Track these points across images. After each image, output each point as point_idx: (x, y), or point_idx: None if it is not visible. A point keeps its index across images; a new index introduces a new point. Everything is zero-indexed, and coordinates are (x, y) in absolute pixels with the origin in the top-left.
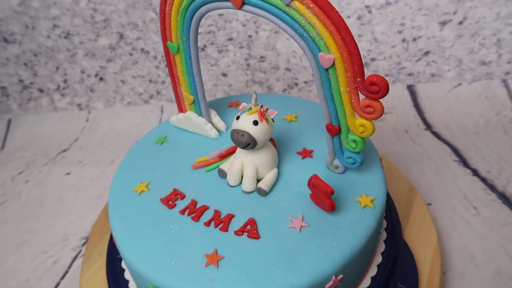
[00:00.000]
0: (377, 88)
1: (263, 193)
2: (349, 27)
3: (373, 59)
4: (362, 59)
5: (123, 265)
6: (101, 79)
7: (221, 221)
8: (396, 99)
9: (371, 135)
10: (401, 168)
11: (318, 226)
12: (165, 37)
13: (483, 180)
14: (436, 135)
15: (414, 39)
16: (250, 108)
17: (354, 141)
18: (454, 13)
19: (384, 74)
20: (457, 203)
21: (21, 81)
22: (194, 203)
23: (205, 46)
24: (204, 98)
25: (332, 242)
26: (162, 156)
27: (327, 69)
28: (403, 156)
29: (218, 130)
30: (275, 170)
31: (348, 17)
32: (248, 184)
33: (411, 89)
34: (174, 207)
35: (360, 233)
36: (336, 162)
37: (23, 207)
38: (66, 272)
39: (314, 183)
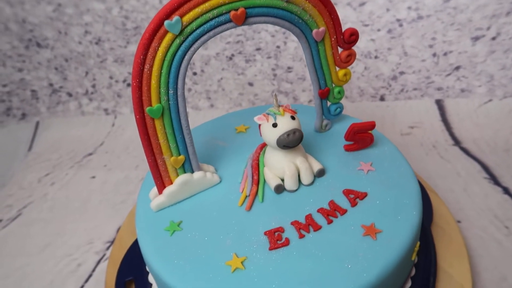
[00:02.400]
0: (355, 37)
1: (323, 172)
2: (379, 40)
3: (402, 73)
4: (391, 72)
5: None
6: (128, 85)
7: (334, 209)
8: (424, 114)
9: (350, 78)
10: (428, 184)
11: (377, 162)
12: (139, 106)
13: None
14: (465, 151)
15: (445, 54)
16: (278, 112)
17: (339, 92)
18: (488, 28)
19: (412, 88)
20: (487, 222)
21: (51, 85)
22: (298, 222)
23: (232, 55)
24: (195, 151)
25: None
26: (204, 232)
27: (318, 43)
28: (430, 172)
29: None
30: (309, 155)
31: (379, 30)
32: (310, 175)
33: (439, 104)
34: (290, 242)
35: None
36: (325, 121)
37: (49, 209)
38: (90, 276)
39: (357, 128)
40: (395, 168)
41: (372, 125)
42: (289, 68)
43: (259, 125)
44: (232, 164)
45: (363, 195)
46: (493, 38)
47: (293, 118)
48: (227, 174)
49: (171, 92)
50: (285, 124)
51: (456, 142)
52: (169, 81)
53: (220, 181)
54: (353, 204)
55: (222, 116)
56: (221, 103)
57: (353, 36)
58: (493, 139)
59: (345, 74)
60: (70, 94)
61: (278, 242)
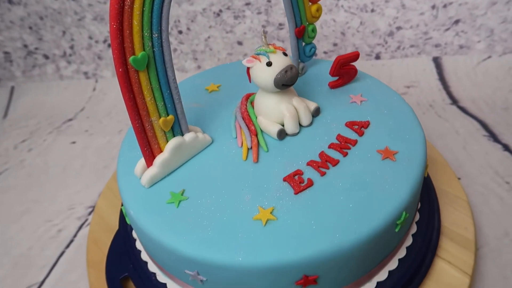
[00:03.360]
0: None
1: (318, 110)
2: None
3: (398, 28)
4: (388, 27)
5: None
6: (109, 45)
7: (345, 141)
8: (420, 72)
9: (321, 12)
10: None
11: (367, 93)
12: (121, 55)
13: None
14: (463, 109)
15: (445, 6)
16: (270, 50)
17: (313, 30)
18: None
19: (409, 45)
20: (488, 179)
21: (25, 46)
22: (315, 162)
23: (220, 11)
24: (183, 110)
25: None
26: (214, 196)
27: None
28: (428, 131)
29: None
30: (300, 97)
31: None
32: (308, 115)
33: (437, 62)
34: (313, 182)
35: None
36: (301, 65)
37: (26, 176)
38: (72, 241)
39: (343, 60)
40: (386, 96)
41: (356, 55)
42: (280, 25)
43: (248, 70)
44: (217, 123)
45: (366, 124)
46: None
47: (285, 54)
48: (215, 134)
49: (155, 35)
50: (280, 61)
51: (454, 101)
52: (152, 21)
53: (212, 142)
54: (360, 133)
55: (186, 79)
56: (209, 64)
57: None
58: (491, 98)
59: (317, 10)
60: (46, 57)
61: (301, 184)
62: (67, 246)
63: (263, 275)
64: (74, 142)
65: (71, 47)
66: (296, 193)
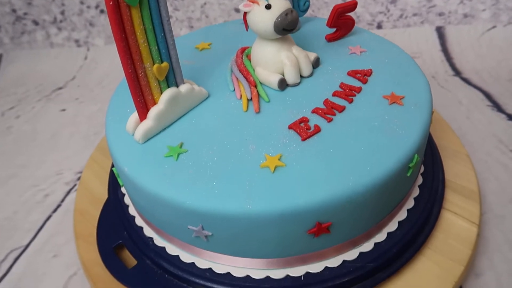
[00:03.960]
0: None
1: (318, 61)
2: None
3: None
4: None
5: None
6: (102, 11)
7: (350, 89)
8: (423, 43)
9: None
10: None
11: (367, 45)
12: None
13: None
14: (466, 81)
15: None
16: None
17: None
18: None
19: (412, 14)
20: (492, 147)
21: (14, 11)
22: (320, 109)
23: None
24: (178, 57)
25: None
26: (220, 148)
27: None
28: None
29: None
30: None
31: None
32: (309, 65)
33: (440, 32)
34: (320, 128)
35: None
36: None
37: (13, 142)
38: (59, 206)
39: (341, 9)
40: (385, 47)
41: (354, 4)
42: None
43: (244, 17)
44: (212, 79)
45: (369, 72)
46: None
47: None
48: (211, 88)
49: None
50: (280, 3)
51: (457, 72)
52: None
53: (209, 96)
54: (364, 81)
55: (177, 38)
56: None
57: None
58: (495, 69)
59: None
60: (36, 23)
61: (308, 131)
62: (54, 210)
63: (274, 224)
64: (64, 110)
65: (62, 13)
66: (303, 139)
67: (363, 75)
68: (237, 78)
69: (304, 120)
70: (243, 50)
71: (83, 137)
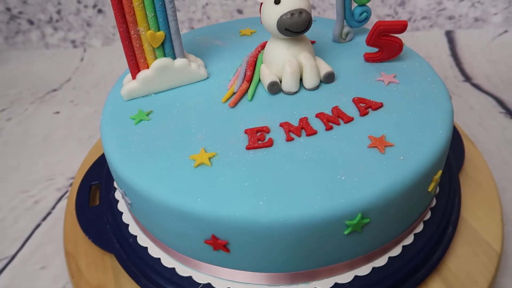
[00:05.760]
0: None
1: (332, 77)
2: None
3: None
4: None
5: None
6: (99, 11)
7: (337, 116)
8: (432, 47)
9: None
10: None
11: (403, 75)
12: None
13: None
14: (477, 87)
15: None
16: None
17: None
18: None
19: (421, 17)
20: (507, 154)
21: (8, 9)
22: (289, 124)
23: None
24: (179, 30)
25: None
26: (175, 123)
27: None
28: None
29: None
30: (318, 57)
31: None
32: (315, 76)
33: (449, 36)
34: (273, 142)
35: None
36: (346, 29)
37: (3, 145)
38: (49, 213)
39: (384, 28)
40: (425, 83)
41: (404, 25)
42: None
43: (260, 7)
44: (226, 62)
45: (377, 105)
46: None
47: None
48: (218, 71)
49: None
50: (291, 1)
51: (467, 78)
52: None
53: (208, 77)
54: (363, 113)
55: (229, 21)
56: None
57: None
58: (507, 75)
59: None
60: (31, 22)
61: (259, 142)
62: (44, 218)
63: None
64: (57, 112)
65: (58, 12)
66: (248, 148)
67: (367, 107)
68: (240, 69)
69: (264, 130)
70: (264, 44)
71: (77, 140)
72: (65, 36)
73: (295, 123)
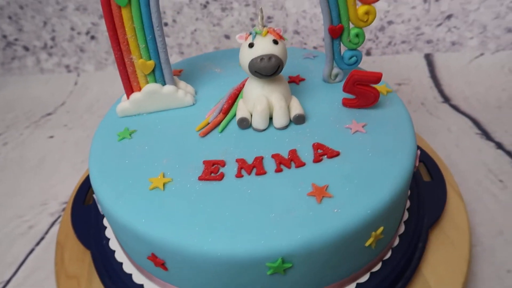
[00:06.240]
0: None
1: (302, 120)
2: None
3: (390, 22)
4: (379, 21)
5: (108, 233)
6: (92, 37)
7: (290, 159)
8: (412, 70)
9: (373, 20)
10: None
11: (374, 125)
12: None
13: (509, 153)
14: (455, 108)
15: (437, 0)
16: (260, 31)
17: (357, 35)
18: None
19: (401, 41)
20: (481, 176)
21: (4, 36)
22: (243, 161)
23: (207, 2)
24: (168, 59)
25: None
26: (149, 145)
27: None
28: (420, 128)
29: None
30: (294, 97)
31: None
32: (284, 117)
33: (428, 59)
34: (224, 177)
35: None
36: (335, 70)
37: (0, 169)
38: (43, 238)
39: (358, 78)
40: (392, 136)
41: (377, 77)
42: (269, 18)
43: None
44: (218, 90)
45: (333, 154)
46: None
47: (275, 42)
48: (206, 98)
49: None
50: (263, 46)
51: (446, 99)
52: None
53: (194, 104)
54: (317, 160)
55: (235, 49)
56: None
57: None
58: (484, 96)
59: (366, 12)
60: (26, 48)
61: (211, 174)
62: (38, 243)
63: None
64: (52, 137)
65: (52, 39)
66: (199, 179)
67: (323, 154)
68: (222, 101)
69: (219, 164)
70: None
71: (70, 165)
72: (59, 61)
73: (250, 160)
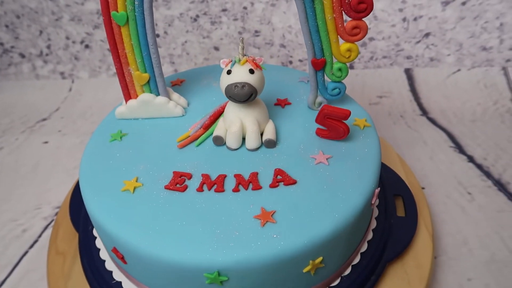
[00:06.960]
0: (365, 6)
1: (272, 144)
2: None
3: (371, 39)
4: None
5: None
6: (86, 46)
7: (249, 181)
8: (393, 83)
9: (356, 57)
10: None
11: (339, 158)
12: (106, 6)
13: (479, 166)
14: (432, 121)
15: (415, 19)
16: (239, 60)
17: (340, 69)
18: None
19: (382, 56)
20: (451, 189)
21: (1, 44)
22: (208, 176)
23: (197, 16)
24: (162, 74)
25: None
26: (133, 150)
27: (314, 0)
28: (397, 141)
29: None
30: (271, 122)
31: None
32: (255, 140)
33: (408, 73)
34: (186, 189)
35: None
36: (319, 99)
37: None
38: (36, 241)
39: (328, 112)
40: (354, 172)
41: (345, 115)
42: (256, 32)
43: None
44: (209, 105)
45: (290, 182)
46: (463, 3)
47: (251, 71)
48: (197, 111)
49: (136, 3)
50: (238, 74)
51: (424, 112)
52: None
53: (183, 115)
54: (273, 185)
55: None
56: (185, 68)
57: (362, 4)
58: (460, 110)
59: (348, 50)
60: (23, 55)
61: (177, 185)
62: (31, 246)
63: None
64: (46, 142)
65: (48, 47)
66: (165, 187)
67: (281, 181)
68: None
69: (187, 175)
70: None
71: (64, 170)
72: (54, 68)
73: (214, 177)
